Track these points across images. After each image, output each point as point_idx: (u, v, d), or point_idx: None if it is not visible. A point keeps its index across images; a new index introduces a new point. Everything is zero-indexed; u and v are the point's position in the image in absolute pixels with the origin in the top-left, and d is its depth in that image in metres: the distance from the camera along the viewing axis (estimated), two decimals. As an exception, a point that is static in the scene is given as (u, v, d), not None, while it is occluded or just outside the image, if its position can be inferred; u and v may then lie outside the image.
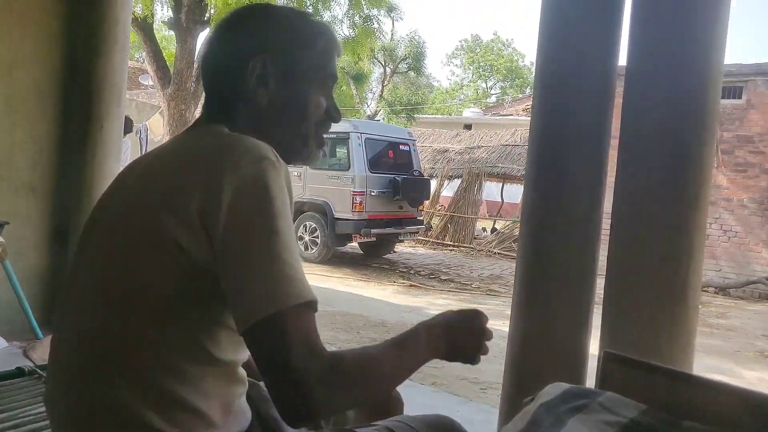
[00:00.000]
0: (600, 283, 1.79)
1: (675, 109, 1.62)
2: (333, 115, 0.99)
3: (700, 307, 6.97)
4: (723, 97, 9.29)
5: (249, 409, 0.96)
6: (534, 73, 2.00)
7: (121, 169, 1.39)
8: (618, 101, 1.81)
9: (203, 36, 9.18)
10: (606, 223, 1.72)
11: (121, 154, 3.64)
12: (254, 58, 0.89)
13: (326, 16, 9.55)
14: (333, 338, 4.70)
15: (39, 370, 1.86)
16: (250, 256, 0.73)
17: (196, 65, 8.91)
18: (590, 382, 1.29)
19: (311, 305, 0.75)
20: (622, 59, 1.84)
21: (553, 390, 0.83)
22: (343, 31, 9.90)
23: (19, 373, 1.86)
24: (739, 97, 9.33)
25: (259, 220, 0.75)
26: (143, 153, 11.47)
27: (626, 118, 1.73)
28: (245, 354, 0.88)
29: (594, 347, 1.74)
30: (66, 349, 0.86)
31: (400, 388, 1.32)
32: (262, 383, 1.11)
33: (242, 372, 0.92)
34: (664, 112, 1.63)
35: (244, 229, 0.74)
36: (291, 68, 0.92)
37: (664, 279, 1.52)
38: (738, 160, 9.27)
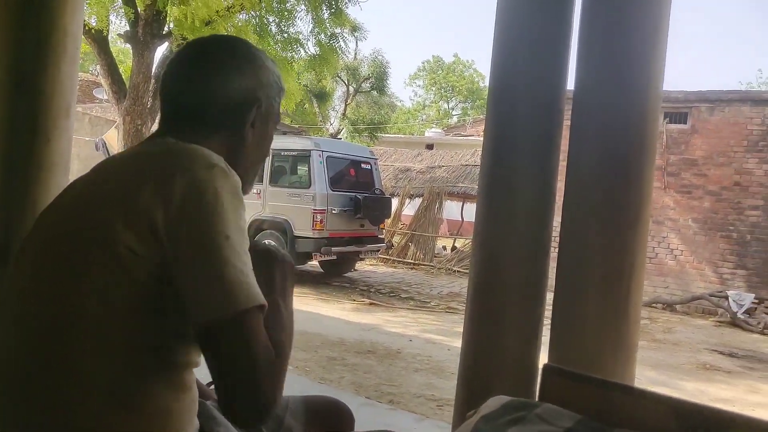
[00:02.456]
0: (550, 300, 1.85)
1: (617, 133, 1.69)
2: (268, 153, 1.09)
3: (648, 322, 7.22)
4: (670, 122, 9.75)
5: (198, 425, 0.95)
6: (487, 95, 2.06)
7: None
8: (567, 124, 1.88)
9: (161, 50, 9.04)
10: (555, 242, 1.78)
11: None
12: (254, 101, 0.97)
13: (291, 33, 9.56)
14: (291, 358, 4.63)
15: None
16: (203, 260, 0.76)
17: (153, 81, 8.76)
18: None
19: (262, 309, 0.79)
20: (571, 84, 1.92)
21: (493, 403, 0.85)
22: (309, 48, 9.91)
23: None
24: (685, 122, 9.79)
25: (210, 225, 0.77)
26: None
27: (573, 141, 1.79)
28: (196, 359, 0.89)
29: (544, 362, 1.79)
30: (4, 368, 0.83)
31: (357, 407, 1.32)
32: (208, 402, 1.10)
33: (191, 382, 0.91)
34: (607, 134, 1.71)
35: (196, 234, 0.77)
36: (270, 115, 1.01)
37: (607, 296, 1.57)
38: (684, 182, 9.69)
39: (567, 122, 1.87)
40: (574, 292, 1.64)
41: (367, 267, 11.37)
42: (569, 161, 1.79)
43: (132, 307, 0.79)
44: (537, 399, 0.92)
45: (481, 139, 2.07)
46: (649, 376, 5.10)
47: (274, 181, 8.96)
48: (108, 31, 8.75)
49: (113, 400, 0.78)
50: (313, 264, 9.48)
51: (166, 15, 8.42)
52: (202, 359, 0.92)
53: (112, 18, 8.70)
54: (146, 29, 8.55)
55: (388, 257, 12.11)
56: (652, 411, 0.75)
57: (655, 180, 1.90)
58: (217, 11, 7.95)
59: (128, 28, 8.87)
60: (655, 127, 1.75)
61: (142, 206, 0.77)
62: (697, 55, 68.77)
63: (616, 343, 1.54)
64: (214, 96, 0.94)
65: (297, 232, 8.51)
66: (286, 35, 9.31)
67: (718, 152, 9.42)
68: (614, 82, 1.71)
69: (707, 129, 9.58)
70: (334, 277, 9.67)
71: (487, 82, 2.18)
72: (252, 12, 8.78)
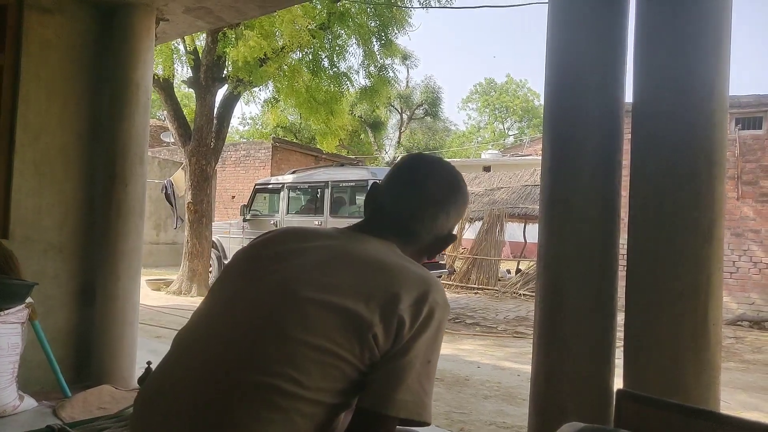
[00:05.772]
0: (621, 321, 1.77)
1: (683, 145, 1.63)
2: None
3: (734, 342, 6.71)
4: (743, 128, 9.24)
5: None
6: (543, 113, 2.03)
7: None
8: (628, 137, 1.83)
9: (221, 92, 9.49)
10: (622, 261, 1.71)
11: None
12: (452, 237, 1.23)
13: (342, 68, 9.83)
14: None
15: (68, 428, 1.89)
16: (409, 370, 0.93)
17: (215, 122, 9.20)
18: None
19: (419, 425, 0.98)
20: (629, 97, 1.86)
21: (567, 429, 0.82)
22: (359, 81, 10.16)
23: (49, 431, 1.90)
24: (760, 128, 9.25)
25: (427, 347, 0.95)
26: (174, 207, 11.10)
27: (635, 156, 1.74)
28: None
29: (619, 385, 1.71)
30: (189, 395, 0.92)
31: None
32: None
33: None
34: (672, 148, 1.64)
35: (416, 348, 0.94)
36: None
37: (683, 315, 1.49)
38: (763, 190, 9.10)
39: (626, 136, 1.82)
40: (647, 312, 1.57)
41: (429, 293, 11.25)
42: (632, 176, 1.74)
43: (344, 376, 0.93)
44: (613, 425, 0.88)
45: (540, 158, 2.04)
46: (740, 400, 4.74)
47: (334, 211, 9.10)
48: (173, 78, 9.30)
49: None
50: (376, 292, 9.46)
51: (225, 59, 8.86)
52: None
53: (176, 65, 9.22)
54: (207, 74, 9.02)
55: (450, 282, 11.98)
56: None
57: (729, 190, 1.81)
58: (265, 53, 8.27)
59: (191, 74, 9.39)
60: (724, 134, 1.67)
61: (400, 311, 0.93)
62: None
63: (698, 364, 1.46)
64: (435, 230, 1.18)
65: (358, 261, 8.57)
66: (335, 70, 9.57)
67: (799, 157, 8.82)
68: (674, 92, 1.65)
69: (785, 132, 9.00)
70: (397, 304, 9.62)
71: (542, 101, 2.15)
72: (305, 50, 9.09)
